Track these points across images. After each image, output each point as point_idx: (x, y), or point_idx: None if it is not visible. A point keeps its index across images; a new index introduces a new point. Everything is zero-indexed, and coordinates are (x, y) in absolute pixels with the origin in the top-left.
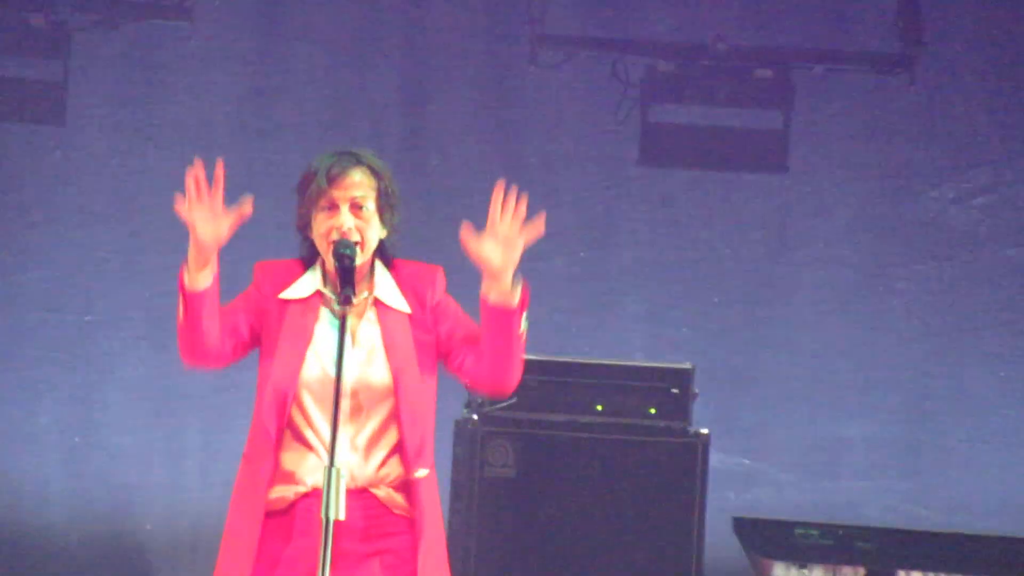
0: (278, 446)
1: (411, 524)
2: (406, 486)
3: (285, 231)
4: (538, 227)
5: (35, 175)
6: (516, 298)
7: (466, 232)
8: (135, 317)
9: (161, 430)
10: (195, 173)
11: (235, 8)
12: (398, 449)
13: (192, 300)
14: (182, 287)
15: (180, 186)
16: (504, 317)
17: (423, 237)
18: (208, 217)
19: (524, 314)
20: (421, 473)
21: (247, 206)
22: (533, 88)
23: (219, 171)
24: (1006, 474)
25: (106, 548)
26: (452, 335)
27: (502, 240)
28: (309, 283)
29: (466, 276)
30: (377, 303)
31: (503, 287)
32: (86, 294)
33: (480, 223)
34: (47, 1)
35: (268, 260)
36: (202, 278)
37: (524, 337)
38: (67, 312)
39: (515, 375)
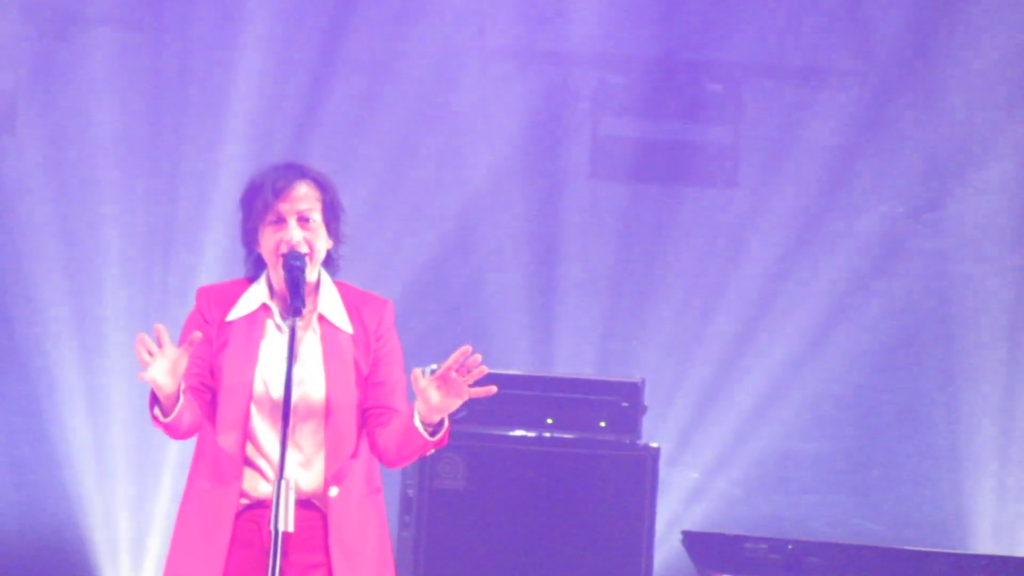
0: (241, 466)
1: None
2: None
3: (232, 242)
4: (488, 391)
5: None
6: (438, 435)
7: (415, 374)
8: (83, 328)
9: (108, 441)
10: (141, 342)
11: (187, 19)
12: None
13: (169, 426)
14: (156, 420)
15: (128, 198)
16: (419, 442)
17: (374, 252)
18: (164, 369)
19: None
20: (332, 492)
21: (196, 337)
22: (484, 101)
23: (160, 334)
24: (953, 490)
25: (54, 557)
26: (376, 387)
27: (449, 389)
28: (255, 297)
29: (408, 291)
30: (321, 319)
31: (431, 420)
32: (33, 304)
33: (428, 233)
34: None
35: (210, 284)
36: (173, 405)
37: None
38: (15, 323)
39: (397, 467)
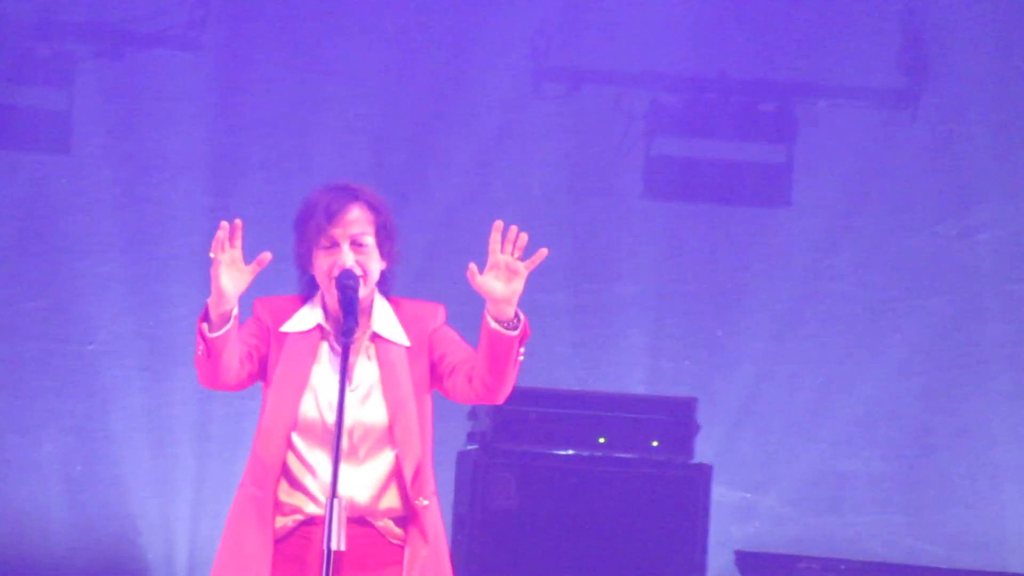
0: (278, 476)
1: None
2: (405, 517)
3: (288, 263)
4: (540, 256)
5: (39, 203)
6: (518, 329)
7: (471, 269)
8: (137, 346)
9: (162, 460)
10: (220, 232)
11: (241, 39)
12: (397, 484)
13: (213, 345)
14: (202, 333)
15: (182, 217)
16: (503, 344)
17: (426, 270)
18: (229, 269)
19: (523, 345)
20: (422, 503)
21: (266, 257)
22: (536, 121)
23: (237, 224)
24: (1008, 510)
25: None
26: (446, 358)
27: (504, 271)
28: (309, 317)
29: (470, 308)
30: (375, 337)
31: (505, 316)
32: (88, 323)
33: (480, 252)
34: (53, 31)
35: (267, 296)
36: (223, 324)
37: (520, 363)
38: (69, 341)
39: (504, 394)
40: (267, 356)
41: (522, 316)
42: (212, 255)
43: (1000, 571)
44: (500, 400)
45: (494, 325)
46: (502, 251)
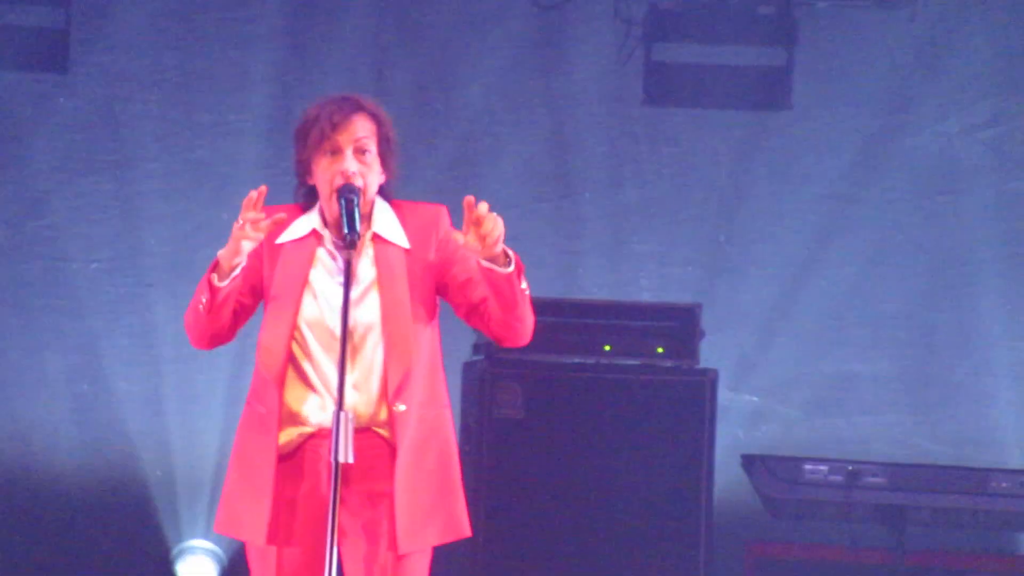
0: (281, 387)
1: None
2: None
3: (293, 176)
4: (469, 206)
5: (38, 123)
6: (510, 266)
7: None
8: (141, 263)
9: (169, 376)
10: (252, 195)
11: None
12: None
13: (217, 293)
14: (210, 284)
15: (183, 133)
16: (501, 280)
17: (429, 181)
18: (250, 229)
19: (522, 275)
20: (398, 408)
21: (280, 218)
22: (535, 29)
23: (262, 191)
24: (1014, 407)
25: (115, 495)
26: (455, 269)
27: (480, 239)
28: (306, 224)
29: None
30: (376, 238)
31: (495, 258)
32: (91, 241)
33: (484, 164)
34: None
35: (263, 207)
36: (230, 274)
37: (526, 294)
38: (72, 260)
39: (525, 329)
40: (259, 281)
41: (511, 253)
42: (240, 219)
43: (1003, 467)
44: (524, 340)
45: (487, 264)
46: (465, 232)
